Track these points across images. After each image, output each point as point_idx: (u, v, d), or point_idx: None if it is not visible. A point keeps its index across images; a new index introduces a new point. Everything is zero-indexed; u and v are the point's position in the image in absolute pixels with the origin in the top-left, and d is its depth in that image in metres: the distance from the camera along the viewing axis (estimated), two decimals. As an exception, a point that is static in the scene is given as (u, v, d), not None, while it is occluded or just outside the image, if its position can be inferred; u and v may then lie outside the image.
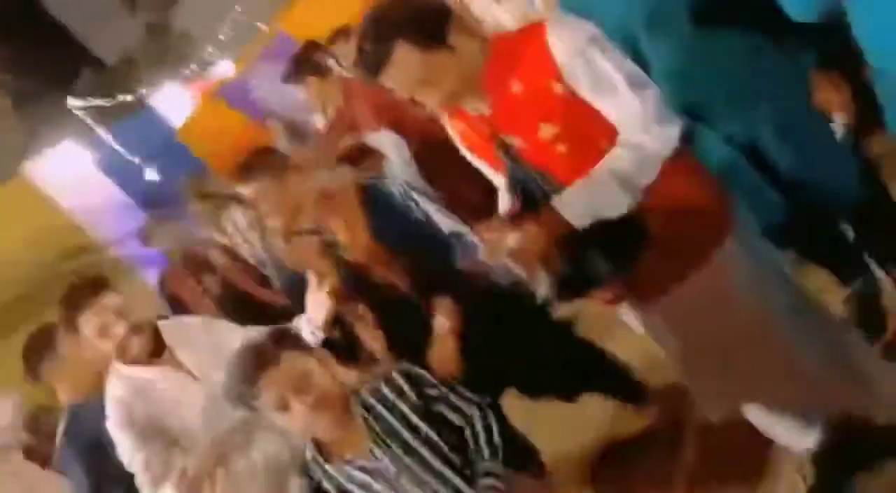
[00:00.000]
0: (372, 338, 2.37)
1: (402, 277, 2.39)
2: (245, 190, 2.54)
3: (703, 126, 2.01)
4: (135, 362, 2.35)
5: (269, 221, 2.68)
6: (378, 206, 2.47)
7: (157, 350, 2.37)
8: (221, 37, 14.10)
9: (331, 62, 4.02)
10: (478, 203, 2.38)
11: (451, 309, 2.30)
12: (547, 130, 1.59)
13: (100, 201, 8.86)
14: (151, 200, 8.49)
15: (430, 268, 2.42)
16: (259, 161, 2.56)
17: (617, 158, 1.59)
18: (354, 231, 2.39)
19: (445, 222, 2.48)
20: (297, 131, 6.30)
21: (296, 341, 1.99)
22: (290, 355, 1.84)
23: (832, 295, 2.44)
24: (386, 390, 1.88)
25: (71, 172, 9.13)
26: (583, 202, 1.58)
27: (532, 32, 1.62)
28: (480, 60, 1.62)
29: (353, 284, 2.40)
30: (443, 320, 2.31)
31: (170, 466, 2.24)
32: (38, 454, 3.09)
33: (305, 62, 3.88)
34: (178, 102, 12.24)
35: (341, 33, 3.94)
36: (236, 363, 1.85)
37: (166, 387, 2.37)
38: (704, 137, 2.02)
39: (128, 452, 2.25)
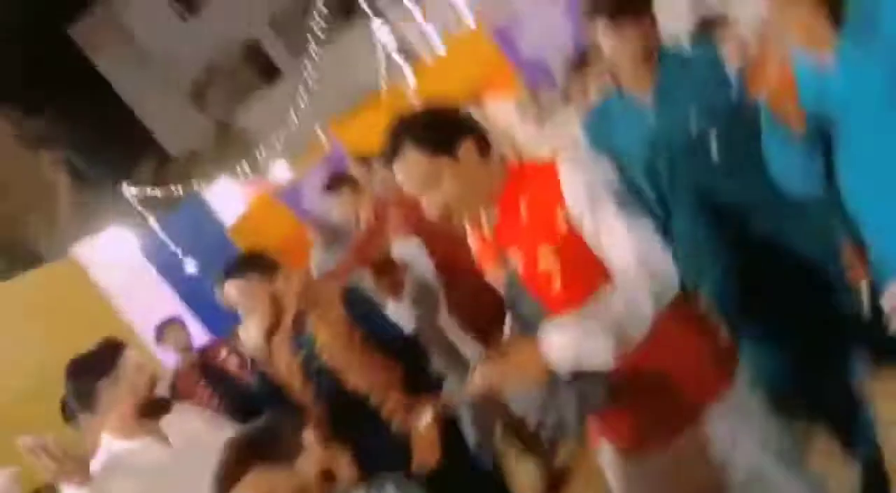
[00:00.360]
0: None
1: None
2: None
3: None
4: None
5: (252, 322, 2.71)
6: (356, 308, 2.64)
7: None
8: (277, 141, 14.63)
9: (366, 174, 4.30)
10: (492, 317, 2.43)
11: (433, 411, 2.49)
12: (546, 260, 1.62)
13: (141, 289, 8.98)
14: (188, 294, 8.60)
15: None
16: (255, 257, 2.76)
17: (609, 304, 1.56)
18: (334, 329, 2.56)
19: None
20: (334, 241, 6.51)
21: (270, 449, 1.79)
22: (257, 470, 1.65)
23: (832, 458, 2.37)
24: None
25: (117, 257, 9.30)
26: (568, 347, 1.53)
27: (549, 163, 1.67)
28: (485, 175, 1.70)
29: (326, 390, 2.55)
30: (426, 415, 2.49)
31: None
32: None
33: (343, 176, 4.26)
34: (231, 199, 12.58)
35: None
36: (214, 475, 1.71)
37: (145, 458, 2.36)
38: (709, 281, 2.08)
39: None
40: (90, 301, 8.46)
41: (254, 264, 2.69)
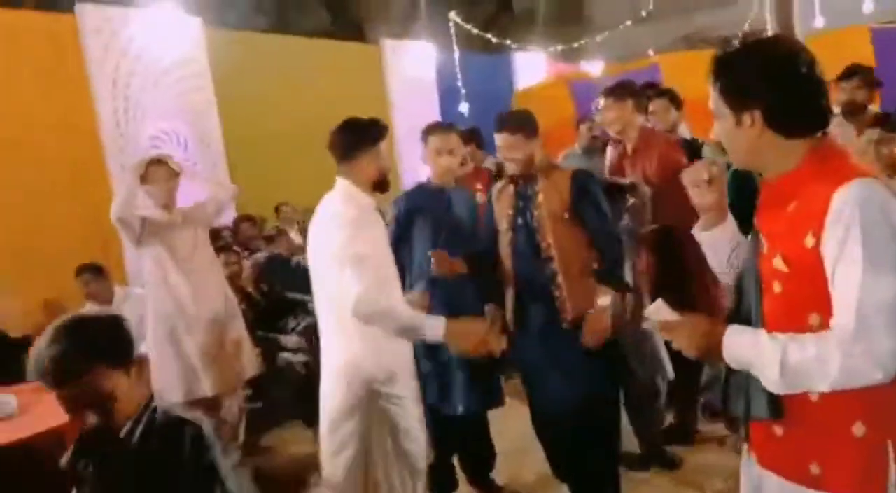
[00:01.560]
0: None
1: None
2: None
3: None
4: None
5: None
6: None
7: None
8: (603, 43, 14.36)
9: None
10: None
11: None
12: (779, 262, 1.54)
13: (415, 101, 9.65)
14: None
15: None
16: None
17: (804, 345, 1.45)
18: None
19: None
20: (593, 149, 6.45)
21: None
22: None
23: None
24: None
25: (413, 65, 9.95)
26: (743, 353, 1.54)
27: (827, 180, 1.49)
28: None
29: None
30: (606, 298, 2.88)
31: None
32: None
33: (626, 85, 3.95)
34: (533, 69, 12.76)
35: None
36: None
37: None
38: None
39: None
40: (368, 85, 9.27)
41: (524, 123, 2.96)
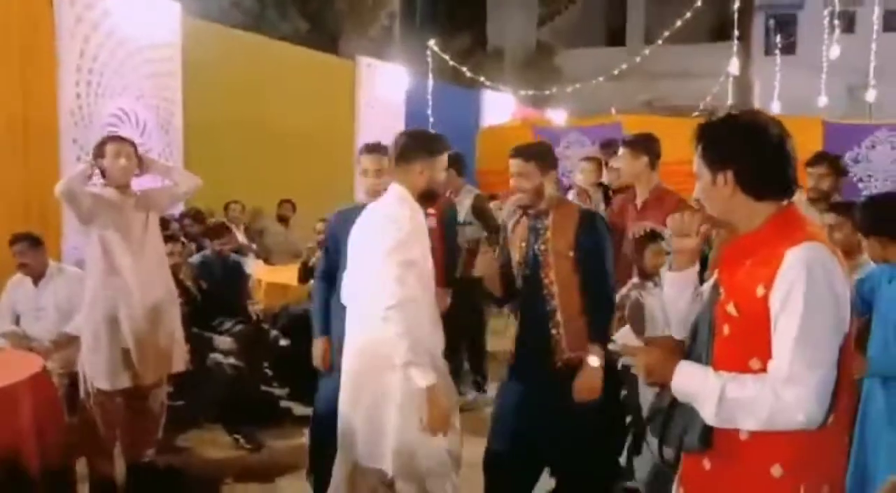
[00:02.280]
0: None
1: None
2: None
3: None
4: None
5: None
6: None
7: None
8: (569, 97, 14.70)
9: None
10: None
11: None
12: (731, 307, 1.68)
13: (381, 119, 9.68)
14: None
15: None
16: None
17: (741, 386, 1.60)
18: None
19: None
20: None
21: None
22: None
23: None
24: None
25: (383, 84, 9.99)
26: (689, 384, 1.68)
27: (784, 240, 1.64)
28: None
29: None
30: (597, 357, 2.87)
31: None
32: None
33: (651, 146, 4.02)
34: (500, 108, 12.96)
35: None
36: None
37: None
38: None
39: None
40: (337, 98, 9.27)
41: (539, 153, 3.04)
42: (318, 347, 3.48)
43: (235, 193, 7.37)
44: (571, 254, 2.91)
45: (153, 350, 3.60)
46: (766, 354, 1.60)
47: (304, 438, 4.55)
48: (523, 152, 2.99)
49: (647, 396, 3.48)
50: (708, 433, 1.69)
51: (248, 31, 9.23)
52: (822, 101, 15.01)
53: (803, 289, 1.56)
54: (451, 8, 21.56)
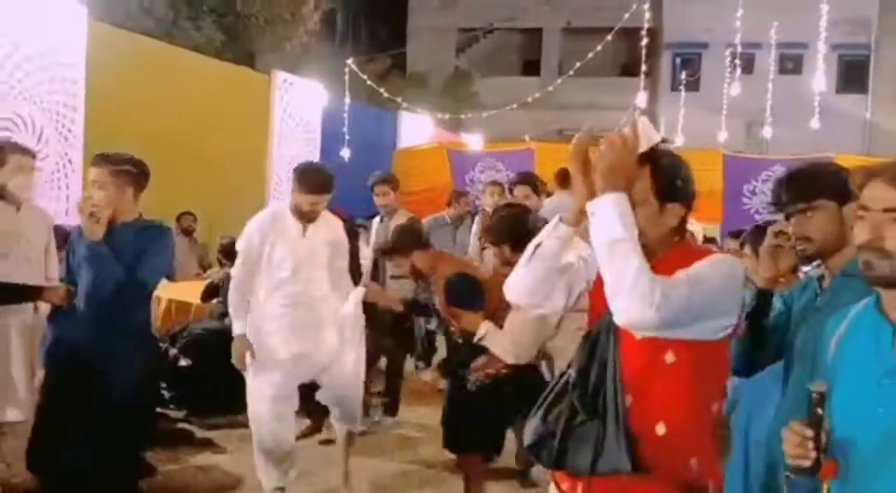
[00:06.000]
0: None
1: None
2: None
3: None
4: None
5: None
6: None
7: None
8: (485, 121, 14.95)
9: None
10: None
11: None
12: None
13: (296, 135, 9.54)
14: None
15: None
16: None
17: (642, 265, 1.65)
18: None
19: None
20: (461, 219, 6.66)
21: None
22: None
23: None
24: None
25: (300, 100, 9.85)
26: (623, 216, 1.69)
27: (694, 259, 1.73)
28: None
29: None
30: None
31: None
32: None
33: (533, 179, 4.59)
34: (417, 130, 13.02)
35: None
36: None
37: None
38: None
39: None
40: (252, 111, 9.07)
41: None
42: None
43: (142, 206, 7.07)
44: None
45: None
46: (681, 347, 1.66)
47: (200, 460, 4.38)
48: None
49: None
50: (633, 453, 1.64)
51: (159, 40, 8.95)
52: (723, 136, 15.81)
53: (707, 262, 1.68)
54: (372, 30, 21.65)
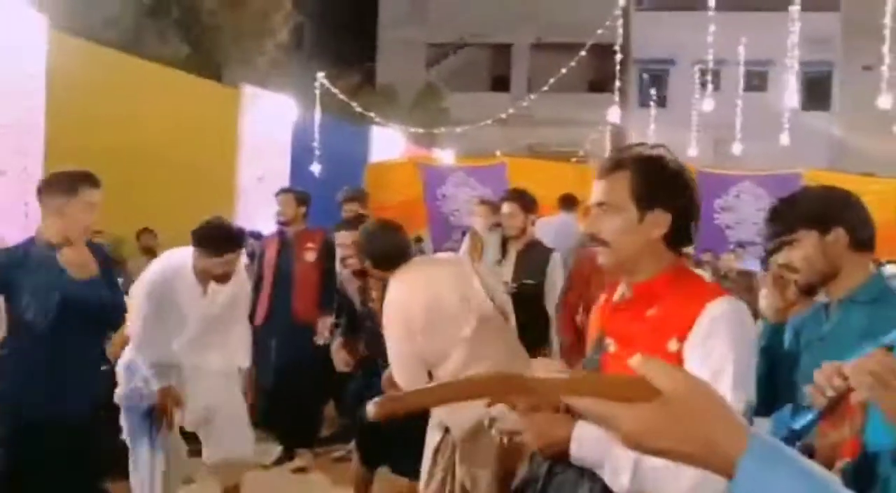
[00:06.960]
0: None
1: None
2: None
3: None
4: None
5: None
6: None
7: None
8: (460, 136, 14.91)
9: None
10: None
11: None
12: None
13: (266, 151, 9.38)
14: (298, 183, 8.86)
15: None
16: None
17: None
18: None
19: None
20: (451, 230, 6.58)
21: None
22: None
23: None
24: None
25: (270, 114, 9.70)
26: (594, 451, 1.48)
27: (690, 293, 1.58)
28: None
29: None
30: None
31: None
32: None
33: (521, 196, 4.52)
34: (389, 145, 12.91)
35: None
36: None
37: None
38: None
39: None
40: (220, 126, 8.89)
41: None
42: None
43: (103, 223, 6.83)
44: None
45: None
46: None
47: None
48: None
49: None
50: None
51: (123, 52, 8.73)
52: (692, 151, 15.97)
53: (730, 348, 1.49)
54: (341, 43, 21.54)
